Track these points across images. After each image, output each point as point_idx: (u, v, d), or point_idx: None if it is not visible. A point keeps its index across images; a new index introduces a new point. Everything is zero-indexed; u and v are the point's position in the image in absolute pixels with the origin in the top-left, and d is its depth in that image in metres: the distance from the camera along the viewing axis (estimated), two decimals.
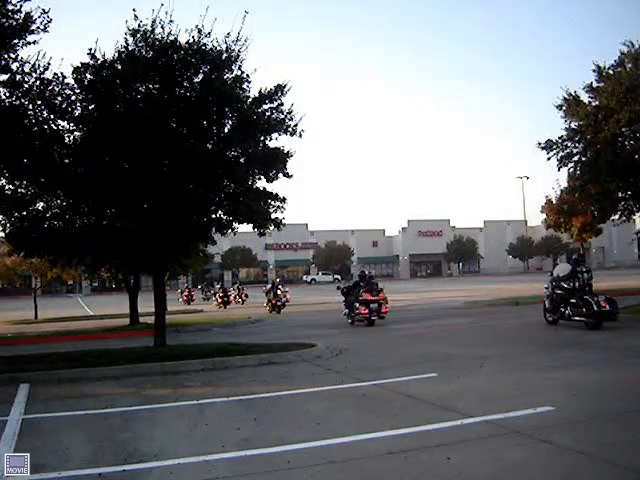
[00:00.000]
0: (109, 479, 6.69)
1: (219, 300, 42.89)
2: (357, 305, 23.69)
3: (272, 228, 17.93)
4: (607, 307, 18.41)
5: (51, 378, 13.62)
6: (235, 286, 49.28)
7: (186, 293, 50.94)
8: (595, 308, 18.34)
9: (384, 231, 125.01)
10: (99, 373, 13.96)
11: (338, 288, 26.86)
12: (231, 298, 44.54)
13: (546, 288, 21.28)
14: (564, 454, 6.89)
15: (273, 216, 17.39)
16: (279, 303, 34.29)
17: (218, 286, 47.10)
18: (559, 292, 20.11)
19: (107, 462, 7.25)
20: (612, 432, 7.64)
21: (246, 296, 46.47)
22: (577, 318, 19.00)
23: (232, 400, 10.81)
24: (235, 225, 17.71)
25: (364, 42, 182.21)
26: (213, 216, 17.40)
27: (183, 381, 13.09)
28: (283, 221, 17.68)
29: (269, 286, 35.90)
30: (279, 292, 34.72)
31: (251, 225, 17.47)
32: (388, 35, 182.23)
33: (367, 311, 23.36)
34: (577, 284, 19.68)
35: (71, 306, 54.22)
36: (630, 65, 24.25)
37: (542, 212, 40.29)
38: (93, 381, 13.37)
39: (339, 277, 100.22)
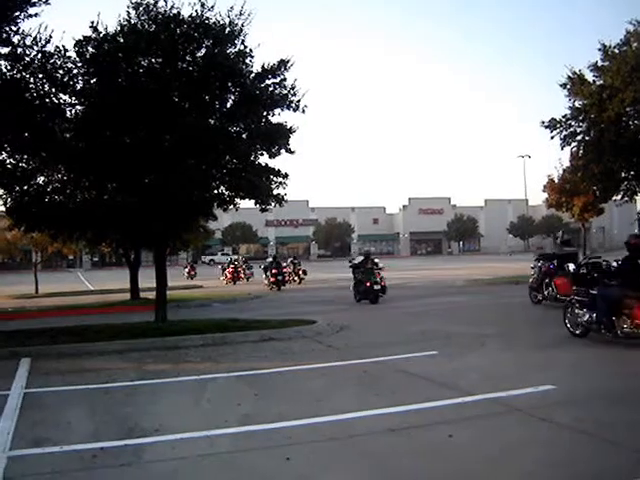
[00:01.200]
0: (111, 453, 6.69)
1: (271, 279, 35.32)
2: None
3: (274, 204, 17.89)
4: None
5: (52, 352, 13.65)
6: (289, 260, 41.67)
7: (231, 270, 43.78)
8: None
9: (385, 209, 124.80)
10: (100, 348, 13.97)
11: (535, 260, 21.73)
12: (286, 277, 36.86)
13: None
14: (565, 433, 6.90)
15: (275, 192, 17.35)
16: (377, 287, 23.94)
17: (270, 260, 38.00)
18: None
19: (108, 436, 7.26)
20: (613, 412, 7.64)
21: (304, 272, 40.43)
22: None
23: (233, 376, 10.83)
24: (237, 201, 17.69)
25: (368, 15, 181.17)
26: (215, 191, 17.37)
27: (184, 356, 13.11)
28: (285, 197, 17.64)
29: (358, 260, 26.79)
30: (377, 272, 24.85)
31: (253, 201, 17.44)
32: (392, 10, 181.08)
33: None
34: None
35: (72, 281, 54.23)
36: (636, 44, 24.12)
37: (544, 191, 40.29)
38: (94, 356, 13.39)
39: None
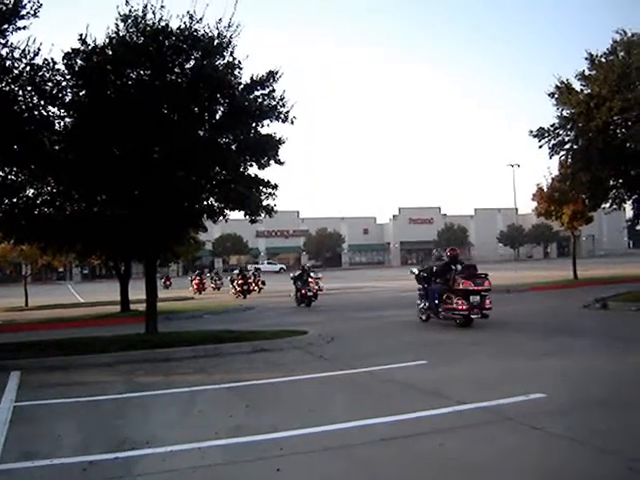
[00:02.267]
0: (100, 466, 6.66)
1: (238, 288, 39.27)
2: (452, 297, 17.83)
3: (263, 215, 17.88)
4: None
5: (42, 365, 13.60)
6: (250, 272, 45.13)
7: (197, 281, 47.71)
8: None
9: (375, 219, 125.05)
10: (90, 360, 13.93)
11: (412, 272, 21.55)
12: (252, 286, 40.70)
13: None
14: (556, 441, 6.91)
15: (264, 203, 17.35)
16: (310, 293, 28.73)
17: (236, 272, 41.93)
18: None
19: (99, 449, 7.22)
20: (604, 419, 7.66)
21: (263, 283, 44.20)
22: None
23: (224, 387, 10.81)
24: (226, 212, 17.70)
25: (357, 25, 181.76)
26: (204, 203, 17.38)
27: (175, 368, 13.07)
28: (274, 208, 17.64)
29: (298, 272, 30.38)
30: (310, 280, 29.25)
31: (242, 212, 17.43)
32: (380, 17, 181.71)
33: (466, 307, 17.52)
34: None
35: (62, 293, 54.07)
36: (622, 53, 24.22)
37: (533, 200, 40.22)
38: (84, 368, 13.34)
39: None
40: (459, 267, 18.44)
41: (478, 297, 17.46)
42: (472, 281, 17.60)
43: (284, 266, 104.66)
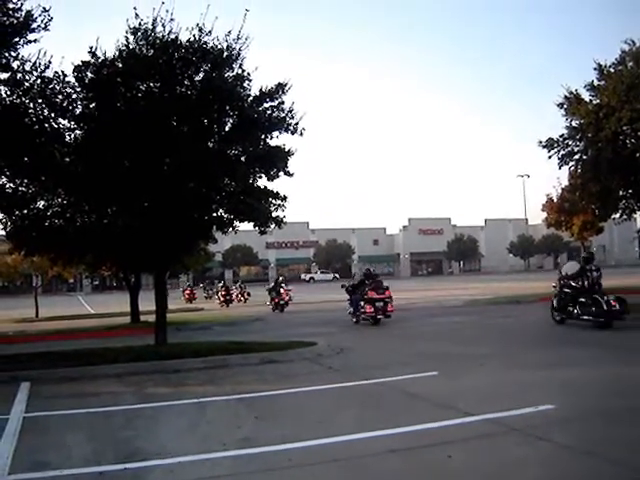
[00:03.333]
0: (110, 478, 6.69)
1: (221, 299, 44.28)
2: (362, 304, 23.73)
3: (273, 226, 17.94)
4: (617, 306, 18.07)
5: (52, 377, 13.62)
6: (237, 284, 50.64)
7: (188, 291, 52.32)
8: (605, 307, 18.03)
9: (385, 229, 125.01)
10: (100, 371, 13.95)
11: (343, 286, 27.51)
12: (234, 296, 45.77)
13: (554, 287, 21.20)
14: (565, 452, 6.89)
15: (274, 214, 17.39)
16: (282, 302, 34.84)
17: (220, 284, 48.98)
18: (567, 291, 19.95)
19: (108, 460, 7.24)
20: (613, 431, 7.63)
21: (248, 294, 47.45)
22: (586, 317, 18.76)
23: (233, 398, 10.81)
24: (236, 223, 17.74)
25: (366, 38, 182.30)
26: (214, 214, 17.42)
27: (184, 379, 13.09)
28: (284, 219, 17.69)
29: (272, 284, 37.06)
30: (282, 291, 35.34)
31: (252, 223, 17.47)
32: (391, 32, 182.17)
33: (373, 309, 23.20)
34: (586, 283, 19.38)
35: (72, 304, 54.15)
36: (631, 63, 24.24)
37: (543, 210, 40.26)
38: (94, 379, 13.36)
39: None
40: (370, 281, 24.63)
41: (382, 303, 23.51)
42: (376, 292, 23.62)
43: (337, 275, 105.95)
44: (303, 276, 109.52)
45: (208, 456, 7.18)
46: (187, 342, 18.05)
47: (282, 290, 35.35)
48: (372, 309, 23.17)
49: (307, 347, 16.27)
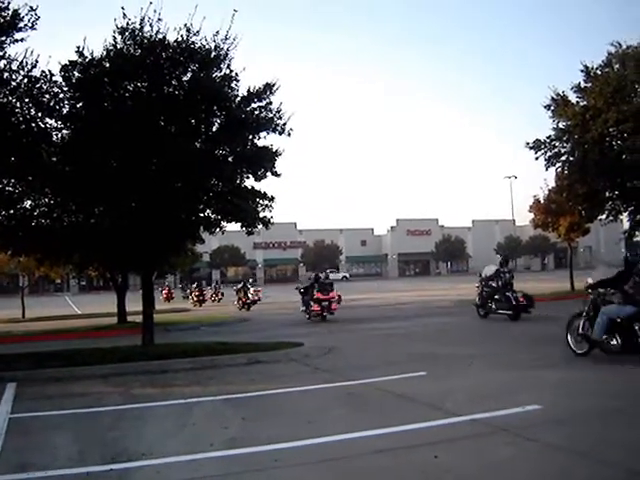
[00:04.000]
0: (96, 478, 6.67)
1: (194, 299, 47.40)
2: (311, 303, 27.28)
3: (260, 227, 17.94)
4: (524, 302, 22.00)
5: (38, 377, 13.57)
6: (213, 285, 57.52)
7: (166, 291, 54.41)
8: (514, 303, 21.86)
9: (373, 230, 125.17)
10: (87, 372, 13.91)
11: (296, 288, 31.60)
12: (207, 297, 48.77)
13: (477, 287, 24.44)
14: (552, 453, 6.92)
15: (261, 215, 17.42)
16: (248, 301, 38.66)
17: (194, 285, 51.70)
18: (487, 290, 23.46)
19: (94, 461, 7.21)
20: (600, 430, 7.67)
21: (222, 294, 50.99)
22: (500, 311, 22.45)
23: (220, 399, 10.79)
24: (223, 224, 17.75)
25: (354, 39, 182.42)
26: (201, 215, 17.40)
27: (171, 380, 13.06)
28: (271, 220, 17.71)
29: (240, 285, 40.57)
30: (252, 291, 40.50)
31: (239, 224, 17.47)
32: (379, 35, 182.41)
33: (319, 308, 26.84)
34: (500, 283, 22.93)
35: (59, 305, 53.99)
36: (617, 66, 24.38)
37: (530, 212, 40.29)
38: (81, 380, 13.32)
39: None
40: (318, 285, 27.49)
41: (327, 303, 26.71)
42: (322, 293, 26.81)
43: (347, 274, 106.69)
44: (308, 275, 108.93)
45: (195, 457, 7.16)
46: (174, 342, 18.03)
47: (252, 291, 40.39)
48: (319, 308, 26.79)
49: (294, 348, 16.28)
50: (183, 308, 42.27)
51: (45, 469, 6.93)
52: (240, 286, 39.91)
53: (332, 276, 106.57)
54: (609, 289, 13.54)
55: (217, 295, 51.02)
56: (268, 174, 17.03)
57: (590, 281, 14.35)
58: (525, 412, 8.64)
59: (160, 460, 7.12)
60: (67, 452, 7.78)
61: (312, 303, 27.02)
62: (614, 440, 7.21)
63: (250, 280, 45.51)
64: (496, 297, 22.73)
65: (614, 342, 12.71)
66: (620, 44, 24.16)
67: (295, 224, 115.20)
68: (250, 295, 39.38)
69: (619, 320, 12.66)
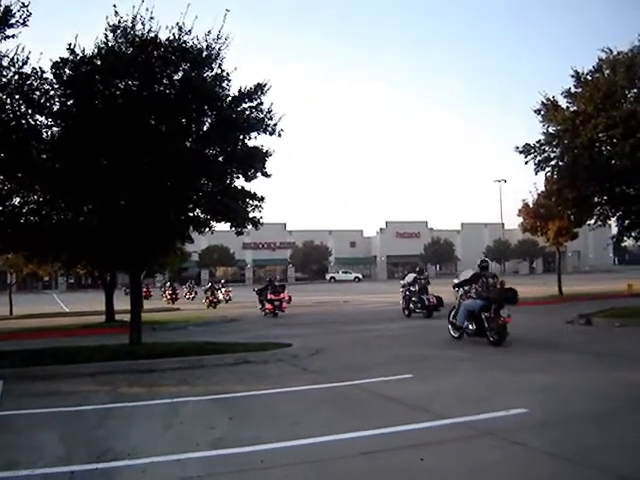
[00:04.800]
0: (82, 477, 6.66)
1: (168, 297, 49.93)
2: (265, 302, 32.79)
3: (250, 227, 17.93)
4: (435, 302, 26.50)
5: (25, 375, 13.53)
6: (187, 284, 61.45)
7: (145, 289, 50.27)
8: (426, 303, 26.55)
9: (362, 232, 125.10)
10: (74, 370, 13.88)
11: (254, 290, 37.52)
12: (179, 295, 51.73)
13: (401, 291, 28.78)
14: (537, 456, 6.95)
15: (251, 215, 17.39)
16: (215, 300, 43.13)
17: (168, 284, 54.38)
18: (408, 293, 27.88)
19: (80, 460, 7.21)
20: (585, 435, 7.71)
21: (196, 293, 55.14)
22: (418, 310, 27.02)
23: (207, 399, 10.80)
24: (213, 224, 17.72)
25: (344, 41, 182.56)
26: (191, 214, 17.37)
27: (158, 379, 13.05)
28: (261, 220, 17.69)
29: (209, 285, 45.53)
30: (224, 291, 46.79)
31: (229, 224, 17.45)
32: (371, 37, 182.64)
33: (271, 306, 32.11)
34: (417, 287, 27.55)
35: (47, 302, 53.80)
36: (608, 71, 24.41)
37: (519, 215, 40.38)
38: (68, 378, 13.29)
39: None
40: (271, 287, 33.02)
41: (278, 302, 32.14)
42: (274, 294, 32.32)
43: (360, 275, 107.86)
44: (327, 276, 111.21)
45: (181, 456, 7.17)
46: (162, 342, 17.98)
47: (224, 291, 46.79)
48: (271, 306, 32.16)
49: (282, 348, 16.28)
50: (170, 308, 42.30)
51: (31, 467, 6.92)
52: (208, 286, 44.96)
53: (344, 277, 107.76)
54: (471, 286, 18.11)
55: (191, 294, 55.59)
56: (258, 174, 17.01)
57: (455, 281, 19.64)
58: (511, 415, 8.67)
59: (146, 460, 7.11)
60: (53, 451, 7.76)
61: (266, 302, 32.69)
62: (599, 444, 7.24)
63: (222, 281, 51.30)
64: (414, 299, 27.40)
65: (471, 327, 17.46)
66: (611, 50, 24.21)
67: (285, 225, 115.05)
68: (221, 295, 45.36)
69: (473, 311, 17.31)
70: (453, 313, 18.54)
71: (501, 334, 16.37)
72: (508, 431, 7.81)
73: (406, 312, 27.82)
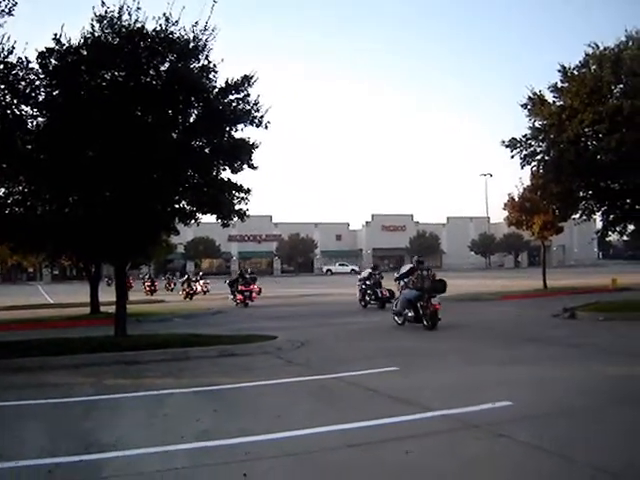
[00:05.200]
0: (66, 469, 6.64)
1: (147, 288, 51.61)
2: (236, 293, 35.19)
3: (236, 219, 17.90)
4: (387, 295, 28.09)
5: (9, 367, 13.47)
6: (166, 276, 64.49)
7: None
8: (380, 296, 28.55)
9: (348, 225, 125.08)
10: (58, 362, 13.84)
11: (225, 282, 40.71)
12: (157, 287, 52.95)
13: (358, 285, 30.65)
14: (521, 449, 6.98)
15: (237, 207, 17.35)
16: (191, 292, 44.68)
17: (147, 276, 55.85)
18: (364, 287, 29.88)
19: (65, 452, 7.20)
20: (569, 428, 7.75)
21: (174, 284, 57.25)
22: (372, 302, 29.06)
23: (192, 391, 10.81)
24: (198, 215, 17.67)
25: (332, 35, 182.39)
26: (177, 206, 17.31)
27: (143, 371, 13.03)
28: (247, 212, 17.66)
29: (185, 278, 47.53)
30: (201, 283, 48.22)
31: (215, 216, 17.42)
32: (357, 30, 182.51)
33: (242, 297, 34.39)
34: (372, 282, 29.55)
35: (31, 294, 53.50)
36: (594, 67, 24.47)
37: (504, 209, 40.48)
38: (52, 370, 13.25)
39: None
40: (242, 279, 35.60)
41: (248, 293, 34.53)
42: (244, 286, 34.77)
43: (356, 267, 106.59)
44: (323, 268, 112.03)
45: (166, 448, 7.16)
46: (147, 334, 17.93)
47: (202, 283, 48.36)
48: (242, 297, 34.50)
49: (267, 340, 16.29)
50: (155, 299, 42.27)
51: (15, 459, 6.90)
52: (185, 279, 47.19)
53: (341, 269, 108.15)
54: (409, 279, 20.66)
55: (170, 285, 57.42)
56: (245, 166, 16.96)
57: (396, 275, 22.33)
58: (496, 408, 8.70)
59: (131, 451, 7.11)
60: (37, 443, 7.77)
61: (237, 293, 35.13)
62: (583, 437, 7.29)
63: (201, 274, 53.67)
64: (369, 292, 29.52)
65: (410, 314, 19.84)
66: (597, 45, 24.28)
67: (271, 217, 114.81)
68: (199, 286, 47.42)
69: (411, 300, 19.73)
70: (395, 302, 21.60)
71: (433, 320, 18.96)
72: (493, 424, 7.84)
73: (362, 303, 29.87)
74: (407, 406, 9.06)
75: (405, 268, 21.85)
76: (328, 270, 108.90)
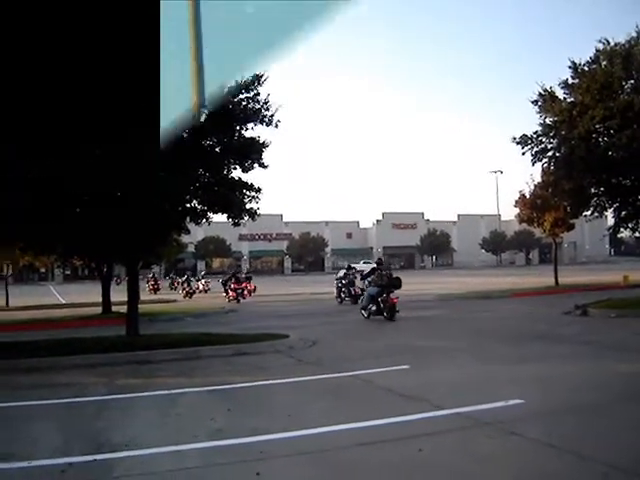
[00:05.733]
0: (79, 469, 6.64)
1: (151, 287, 53.52)
2: (229, 291, 38.15)
3: (246, 218, 17.91)
4: (359, 292, 29.80)
5: (21, 367, 13.51)
6: (169, 275, 68.82)
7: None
8: (352, 293, 31.18)
9: (358, 223, 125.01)
10: (71, 362, 13.86)
11: (219, 280, 43.66)
12: (161, 286, 55.38)
13: (335, 283, 33.62)
14: (534, 446, 6.94)
15: (248, 206, 17.39)
16: (190, 291, 47.27)
17: (150, 275, 57.35)
18: (340, 285, 32.69)
19: (77, 451, 7.20)
20: (581, 425, 7.72)
21: (178, 283, 57.05)
22: (347, 299, 31.68)
23: (205, 390, 10.81)
24: (209, 215, 17.68)
25: (342, 34, 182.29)
26: (188, 205, 17.32)
27: (156, 371, 13.05)
28: (258, 211, 17.67)
29: (185, 278, 50.88)
30: (202, 283, 52.03)
31: (226, 215, 17.42)
32: (367, 30, 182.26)
33: (234, 294, 37.36)
34: (347, 281, 32.27)
35: (43, 294, 53.71)
36: (605, 62, 24.38)
37: (515, 207, 40.40)
38: (64, 370, 13.27)
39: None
40: (234, 278, 38.34)
41: (240, 290, 37.63)
42: (236, 284, 37.73)
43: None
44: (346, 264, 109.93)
45: (179, 448, 7.15)
46: (159, 333, 17.95)
47: (204, 281, 52.40)
48: (234, 294, 37.52)
49: (279, 339, 16.28)
50: (167, 299, 42.30)
51: (27, 459, 6.90)
52: (184, 279, 50.76)
53: (365, 267, 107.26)
54: (372, 277, 23.32)
55: (174, 284, 59.47)
56: (255, 165, 17.00)
57: (359, 276, 25.81)
58: (508, 406, 8.66)
59: (144, 451, 7.10)
60: (50, 442, 7.78)
61: (230, 290, 38.17)
62: (595, 434, 7.25)
63: (202, 273, 58.88)
64: (344, 290, 32.37)
65: (374, 308, 22.28)
66: (608, 41, 24.17)
67: (281, 216, 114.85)
68: (200, 285, 51.36)
69: (373, 295, 22.32)
70: (361, 299, 24.94)
71: (392, 312, 21.66)
72: (505, 422, 7.80)
73: (338, 300, 32.74)
74: (420, 404, 9.04)
75: (367, 268, 25.89)
76: (351, 267, 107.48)
